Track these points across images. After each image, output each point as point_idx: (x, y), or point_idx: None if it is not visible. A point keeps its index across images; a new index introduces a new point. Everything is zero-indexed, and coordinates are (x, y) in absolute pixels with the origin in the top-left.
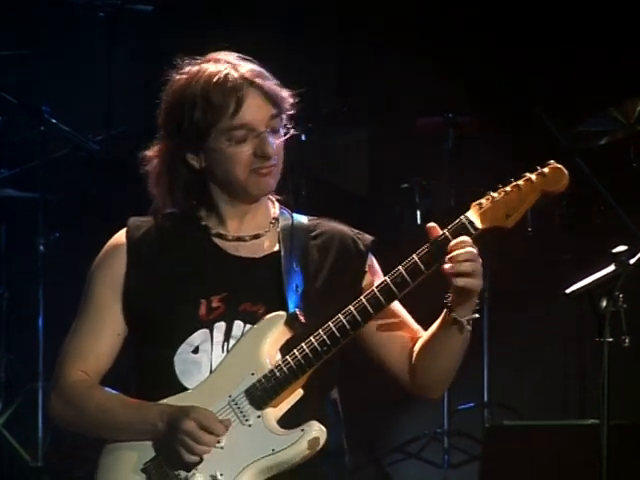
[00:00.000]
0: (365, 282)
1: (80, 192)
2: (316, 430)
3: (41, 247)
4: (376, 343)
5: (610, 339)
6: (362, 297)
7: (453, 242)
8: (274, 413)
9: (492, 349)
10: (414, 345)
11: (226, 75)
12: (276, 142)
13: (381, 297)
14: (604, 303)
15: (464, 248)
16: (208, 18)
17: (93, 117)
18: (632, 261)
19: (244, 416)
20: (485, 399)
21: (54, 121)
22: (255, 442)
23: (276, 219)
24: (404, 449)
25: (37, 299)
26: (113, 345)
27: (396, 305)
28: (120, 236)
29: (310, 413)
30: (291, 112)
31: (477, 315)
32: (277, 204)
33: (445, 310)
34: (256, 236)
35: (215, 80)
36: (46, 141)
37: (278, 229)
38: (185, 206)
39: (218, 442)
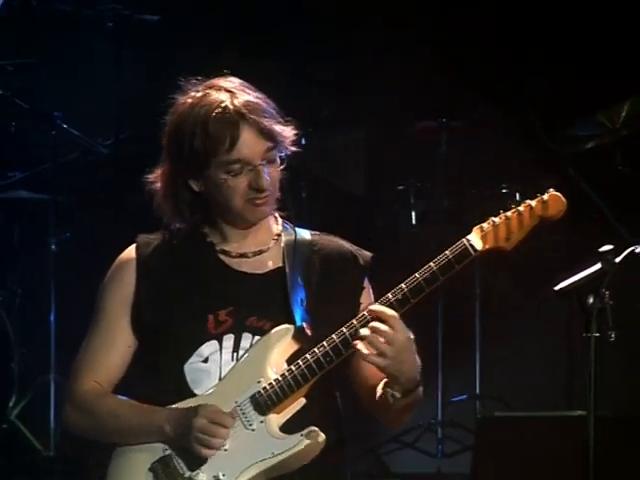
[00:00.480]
0: (362, 297)
1: (90, 194)
2: (314, 436)
3: (52, 246)
4: (353, 370)
5: (597, 334)
6: (365, 312)
7: (375, 308)
8: (277, 419)
9: (484, 344)
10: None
11: (224, 108)
12: (272, 172)
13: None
14: (591, 300)
15: (377, 324)
16: (209, 26)
17: (102, 122)
18: (618, 260)
19: (248, 421)
20: (477, 391)
21: (65, 126)
22: (257, 445)
23: (279, 235)
24: (400, 439)
25: (49, 296)
26: (124, 356)
27: None
28: (130, 252)
29: (313, 414)
30: (286, 141)
31: (399, 395)
32: (280, 220)
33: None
34: (259, 252)
35: (213, 113)
36: (57, 145)
37: (282, 245)
38: (191, 223)
39: (223, 445)
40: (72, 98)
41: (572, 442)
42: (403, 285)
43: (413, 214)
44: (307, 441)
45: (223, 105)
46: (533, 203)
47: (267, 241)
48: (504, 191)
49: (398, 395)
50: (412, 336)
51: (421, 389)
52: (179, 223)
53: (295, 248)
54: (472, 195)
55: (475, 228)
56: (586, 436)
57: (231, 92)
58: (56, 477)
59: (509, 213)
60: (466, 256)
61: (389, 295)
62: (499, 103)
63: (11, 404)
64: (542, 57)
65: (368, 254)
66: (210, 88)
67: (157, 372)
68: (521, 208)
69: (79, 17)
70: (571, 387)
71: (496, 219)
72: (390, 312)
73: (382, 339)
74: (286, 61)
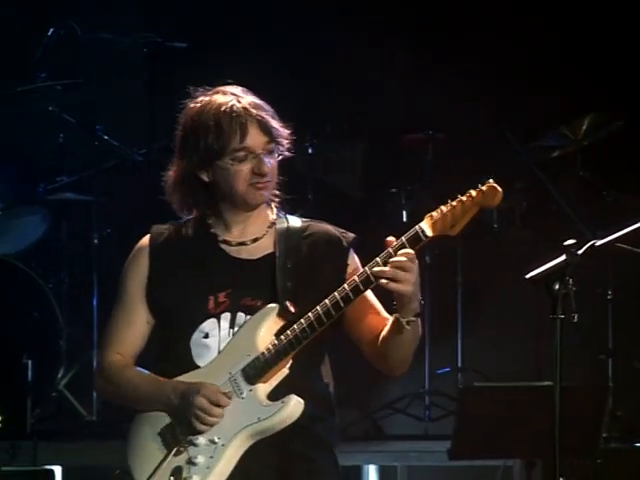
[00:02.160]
0: (348, 272)
1: (127, 196)
2: (293, 402)
3: (95, 241)
4: (353, 329)
5: (562, 316)
6: (336, 293)
7: (395, 259)
8: (264, 388)
9: (465, 324)
10: (380, 332)
11: (232, 106)
12: (271, 162)
13: (350, 292)
14: (557, 286)
15: (400, 261)
16: (228, 51)
17: (138, 134)
18: (580, 252)
19: (239, 390)
20: (459, 365)
21: (105, 137)
22: (245, 411)
23: (273, 223)
24: (392, 405)
25: (92, 283)
26: (144, 331)
27: (371, 297)
28: (145, 240)
29: (299, 386)
30: (283, 138)
31: (414, 319)
32: (275, 209)
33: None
34: (255, 240)
35: (223, 109)
36: (99, 153)
37: (275, 232)
38: (199, 213)
39: (217, 422)
40: (112, 113)
41: (541, 408)
42: (367, 267)
43: (404, 213)
44: (287, 407)
45: (230, 104)
46: (473, 193)
47: (262, 229)
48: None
49: (413, 318)
50: None
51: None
52: (188, 213)
53: (286, 235)
54: (454, 196)
55: (426, 216)
56: (553, 402)
57: (235, 95)
58: (97, 438)
59: (454, 202)
60: (418, 241)
61: (355, 277)
62: (479, 118)
63: (59, 376)
64: (517, 76)
65: (351, 235)
66: (216, 93)
67: (168, 347)
68: (464, 198)
69: (118, 44)
70: (540, 361)
71: (444, 207)
72: (405, 250)
73: (401, 269)
74: (298, 83)
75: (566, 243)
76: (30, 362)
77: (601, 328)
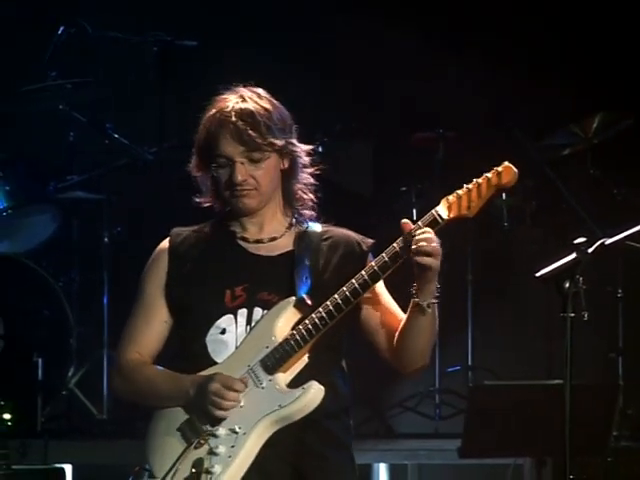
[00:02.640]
0: None
1: (137, 194)
2: (314, 389)
3: (106, 239)
4: (368, 329)
5: (572, 314)
6: (353, 279)
7: (419, 231)
8: (283, 377)
9: (475, 322)
10: (396, 330)
11: (222, 111)
12: (254, 171)
13: (368, 278)
14: (567, 284)
15: (425, 234)
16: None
17: (148, 133)
18: (590, 250)
19: (259, 380)
20: (469, 363)
21: (116, 136)
22: (265, 400)
23: (292, 225)
24: (403, 404)
25: (103, 282)
26: (161, 331)
27: (386, 297)
28: (164, 243)
29: (319, 379)
30: (270, 148)
31: (435, 301)
32: (292, 213)
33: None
34: (273, 239)
35: (214, 114)
36: (109, 152)
37: (294, 232)
38: (222, 211)
39: (234, 406)
40: (122, 112)
41: (551, 407)
42: (383, 254)
43: (414, 211)
44: (308, 393)
45: (223, 109)
46: (489, 174)
47: (280, 229)
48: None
49: (434, 300)
50: None
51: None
52: (219, 208)
53: (305, 236)
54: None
55: (442, 200)
56: (563, 401)
57: (238, 99)
58: (108, 437)
59: (470, 185)
60: (435, 224)
61: (372, 263)
62: (489, 116)
63: (70, 374)
64: (527, 75)
65: (370, 240)
66: (232, 94)
67: (186, 345)
68: (480, 180)
69: (130, 43)
70: (550, 359)
71: (459, 191)
72: (424, 229)
73: (433, 243)
74: (310, 82)
75: (576, 241)
76: (40, 360)
77: (611, 326)
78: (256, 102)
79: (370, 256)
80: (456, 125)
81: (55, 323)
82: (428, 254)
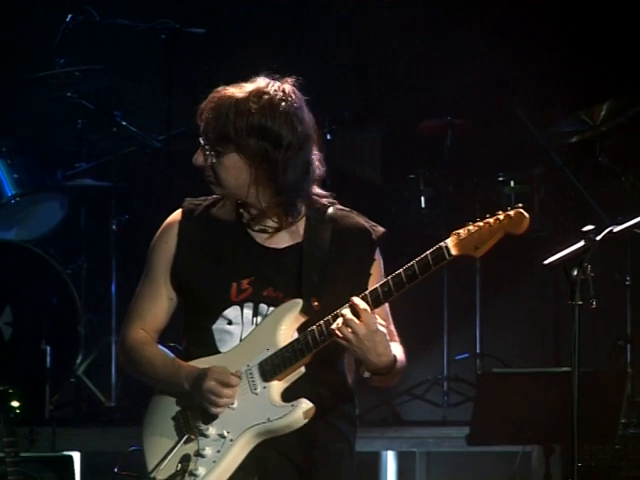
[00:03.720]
0: (372, 268)
1: (145, 182)
2: (303, 407)
3: (113, 227)
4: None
5: (580, 302)
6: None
7: (356, 302)
8: (278, 386)
9: (484, 310)
10: None
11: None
12: (213, 161)
13: (370, 302)
14: (575, 272)
15: (349, 316)
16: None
17: (156, 120)
18: (598, 238)
19: (254, 384)
20: (478, 351)
21: (124, 123)
22: (256, 409)
23: (304, 213)
24: (411, 392)
25: (110, 269)
26: (167, 308)
27: (382, 311)
28: (176, 215)
29: (317, 378)
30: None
31: (367, 374)
32: (307, 204)
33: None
34: (277, 229)
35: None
36: (117, 140)
37: (305, 221)
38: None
39: (232, 403)
40: (130, 99)
41: (559, 394)
42: (389, 279)
43: (422, 199)
44: (297, 411)
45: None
46: (501, 217)
47: (282, 221)
48: (500, 179)
49: (367, 374)
50: (381, 330)
51: (396, 377)
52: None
53: (315, 225)
54: (473, 182)
55: (453, 233)
56: (571, 389)
57: (239, 87)
58: (115, 424)
59: (481, 223)
60: (442, 259)
61: (377, 286)
62: (497, 104)
63: (78, 362)
64: (536, 62)
65: (381, 229)
66: (251, 82)
67: (192, 329)
68: (491, 220)
69: (138, 31)
70: (558, 347)
71: (471, 227)
72: (363, 306)
73: (349, 328)
74: (318, 70)
75: (584, 229)
76: (49, 348)
77: (619, 314)
78: (238, 95)
79: (377, 251)
80: (464, 113)
81: (63, 311)
82: (347, 340)
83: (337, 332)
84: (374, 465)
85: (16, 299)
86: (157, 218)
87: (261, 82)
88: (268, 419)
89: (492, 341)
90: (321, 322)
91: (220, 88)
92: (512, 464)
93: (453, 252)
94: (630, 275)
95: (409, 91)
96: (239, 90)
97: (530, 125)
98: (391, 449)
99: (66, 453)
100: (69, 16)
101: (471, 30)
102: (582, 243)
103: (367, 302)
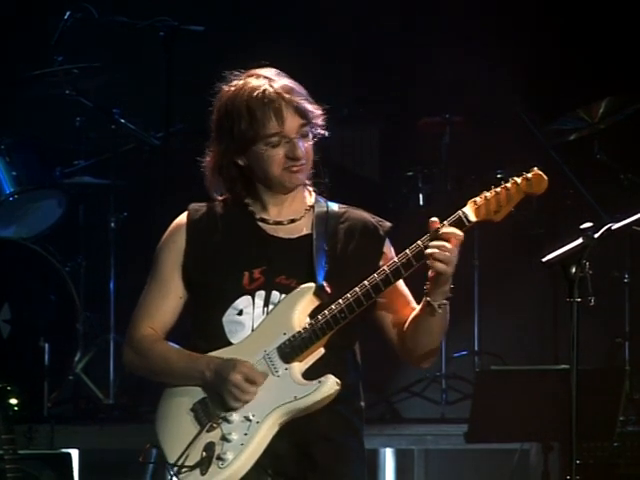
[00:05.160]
0: (382, 261)
1: (144, 179)
2: (330, 383)
3: (112, 224)
4: (382, 324)
5: (578, 299)
6: (375, 274)
7: (443, 230)
8: (299, 367)
9: (482, 307)
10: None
11: (264, 91)
12: (305, 145)
13: (390, 275)
14: (573, 269)
15: (441, 240)
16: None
17: (155, 118)
18: (596, 235)
19: (275, 368)
20: (476, 348)
21: (122, 121)
22: (281, 390)
23: (312, 207)
24: (410, 389)
25: (109, 266)
26: (176, 306)
27: (402, 287)
28: (182, 218)
29: (332, 365)
30: (318, 120)
31: (446, 302)
32: (314, 194)
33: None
34: (292, 220)
35: (256, 95)
36: (116, 137)
37: (313, 215)
38: (236, 195)
39: (251, 399)
40: (129, 97)
41: (558, 391)
42: (407, 250)
43: (421, 196)
44: (324, 387)
45: (263, 89)
46: (519, 180)
47: (300, 211)
48: (499, 176)
49: (445, 302)
50: None
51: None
52: (226, 195)
53: (324, 218)
54: (471, 180)
55: (470, 202)
56: (569, 386)
57: (268, 78)
58: (114, 421)
59: (498, 189)
60: (461, 226)
61: (395, 259)
62: (495, 101)
63: (76, 359)
64: (534, 59)
65: (388, 224)
66: (250, 77)
67: (201, 323)
68: (509, 185)
69: (136, 28)
70: (556, 344)
71: (487, 193)
72: (452, 230)
73: (446, 253)
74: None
75: (583, 226)
76: (47, 345)
77: (618, 311)
78: (284, 78)
79: (387, 241)
80: (462, 110)
81: (61, 308)
82: (440, 261)
83: (437, 255)
84: (372, 462)
85: (14, 296)
86: (156, 215)
87: (259, 70)
88: (295, 397)
89: (490, 338)
90: (340, 301)
91: (250, 87)
92: (510, 461)
93: (472, 218)
94: (629, 273)
95: (408, 88)
96: (265, 79)
97: (529, 122)
98: (389, 446)
99: (65, 450)
100: (67, 13)
101: (470, 27)
102: (580, 240)
103: (389, 274)
